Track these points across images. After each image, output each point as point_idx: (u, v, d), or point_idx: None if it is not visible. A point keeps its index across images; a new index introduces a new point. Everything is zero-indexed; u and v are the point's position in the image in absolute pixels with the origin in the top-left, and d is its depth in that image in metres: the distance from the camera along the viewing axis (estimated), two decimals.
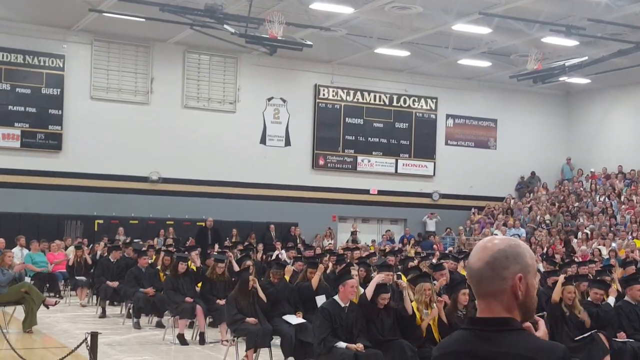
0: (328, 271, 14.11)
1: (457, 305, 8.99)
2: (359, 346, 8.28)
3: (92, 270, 17.13)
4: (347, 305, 8.72)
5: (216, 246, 20.89)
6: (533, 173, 31.10)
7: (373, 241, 26.52)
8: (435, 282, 10.10)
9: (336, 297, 8.81)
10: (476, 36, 24.68)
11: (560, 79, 27.37)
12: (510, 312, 2.40)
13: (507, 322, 2.38)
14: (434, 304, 9.06)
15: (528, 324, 2.45)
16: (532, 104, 31.42)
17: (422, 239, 26.83)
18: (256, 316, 10.24)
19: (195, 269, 13.65)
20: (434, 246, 24.80)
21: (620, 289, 10.52)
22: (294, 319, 10.51)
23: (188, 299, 12.43)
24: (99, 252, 17.98)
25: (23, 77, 24.16)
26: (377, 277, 8.96)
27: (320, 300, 10.79)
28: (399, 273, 12.05)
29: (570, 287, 9.49)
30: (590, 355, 8.81)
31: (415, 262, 14.48)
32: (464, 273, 14.64)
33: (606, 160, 29.43)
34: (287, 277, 11.47)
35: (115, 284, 15.31)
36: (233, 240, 23.09)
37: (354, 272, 10.42)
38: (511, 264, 2.40)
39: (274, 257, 19.59)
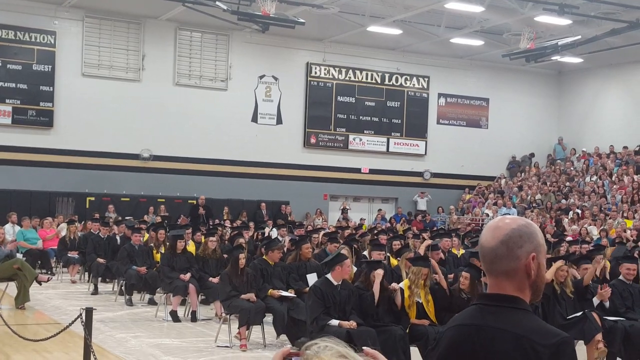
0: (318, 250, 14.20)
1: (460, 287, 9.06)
2: (352, 323, 8.34)
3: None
4: (340, 283, 8.77)
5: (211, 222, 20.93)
6: (532, 154, 31.10)
7: (362, 219, 26.58)
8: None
9: (328, 276, 8.85)
10: (469, 14, 24.61)
11: (553, 58, 27.35)
12: (521, 291, 2.41)
13: (514, 300, 2.40)
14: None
15: None
16: (525, 83, 31.44)
17: (423, 219, 26.85)
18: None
19: (193, 252, 13.63)
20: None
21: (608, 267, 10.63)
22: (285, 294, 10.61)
23: (183, 276, 12.46)
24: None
25: (14, 54, 23.99)
26: (378, 277, 8.89)
27: (312, 278, 10.86)
28: (388, 254, 12.08)
29: (562, 265, 9.59)
30: (582, 333, 8.91)
31: (410, 241, 14.53)
32: (455, 252, 14.76)
33: (598, 139, 29.51)
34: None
35: (104, 260, 15.38)
36: (224, 218, 23.13)
37: (345, 251, 10.45)
38: (525, 243, 2.41)
39: (266, 235, 19.64)
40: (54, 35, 24.48)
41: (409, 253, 10.60)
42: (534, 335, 2.29)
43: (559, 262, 9.60)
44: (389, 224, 25.93)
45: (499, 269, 2.44)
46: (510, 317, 2.36)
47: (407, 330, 8.63)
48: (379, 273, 8.81)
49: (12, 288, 13.19)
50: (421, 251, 11.65)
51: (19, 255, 15.78)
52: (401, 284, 9.10)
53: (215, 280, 12.31)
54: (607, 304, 9.49)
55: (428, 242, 12.86)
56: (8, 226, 18.63)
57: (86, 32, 25.00)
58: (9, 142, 23.75)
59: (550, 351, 2.26)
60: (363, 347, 1.43)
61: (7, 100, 23.89)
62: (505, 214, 23.83)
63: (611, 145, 28.72)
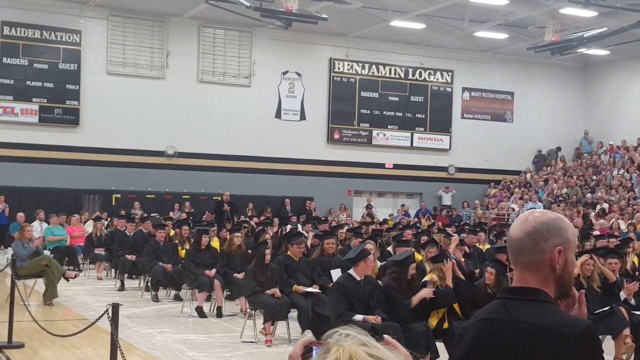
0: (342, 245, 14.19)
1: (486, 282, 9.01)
2: (377, 318, 8.33)
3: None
4: (363, 278, 8.75)
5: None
6: (559, 148, 30.88)
7: (391, 215, 26.52)
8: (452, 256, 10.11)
9: (351, 271, 8.83)
10: (493, 7, 24.45)
11: (579, 50, 27.10)
12: (545, 285, 2.38)
13: (535, 293, 2.37)
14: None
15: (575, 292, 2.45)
16: (550, 76, 31.16)
17: (448, 214, 26.76)
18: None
19: (217, 249, 13.68)
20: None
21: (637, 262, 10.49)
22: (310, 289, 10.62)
23: (208, 272, 12.51)
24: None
25: (40, 53, 24.25)
26: (426, 292, 8.81)
27: (335, 274, 10.84)
28: (413, 249, 12.04)
29: (588, 259, 9.50)
30: (610, 328, 8.83)
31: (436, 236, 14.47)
32: (480, 247, 14.69)
33: (625, 132, 29.18)
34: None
35: (133, 257, 15.50)
36: (249, 214, 23.21)
37: (370, 246, 10.44)
38: (552, 236, 2.39)
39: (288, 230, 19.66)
40: (79, 34, 24.70)
41: (430, 249, 10.53)
42: (559, 327, 2.27)
43: (584, 257, 9.51)
44: (414, 219, 25.87)
45: (523, 262, 2.42)
46: (534, 310, 2.34)
47: (444, 324, 8.62)
48: (428, 291, 8.68)
49: (40, 284, 13.35)
50: (451, 249, 11.58)
51: (47, 252, 15.95)
52: (426, 278, 9.08)
53: (240, 276, 12.35)
54: (632, 301, 9.37)
55: (456, 238, 12.79)
56: (36, 223, 18.83)
57: (111, 30, 25.19)
58: (36, 140, 24.02)
59: (576, 341, 2.24)
60: (384, 335, 1.43)
61: (34, 99, 24.15)
62: (531, 209, 23.67)
63: (639, 138, 28.39)
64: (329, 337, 1.40)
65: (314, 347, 1.45)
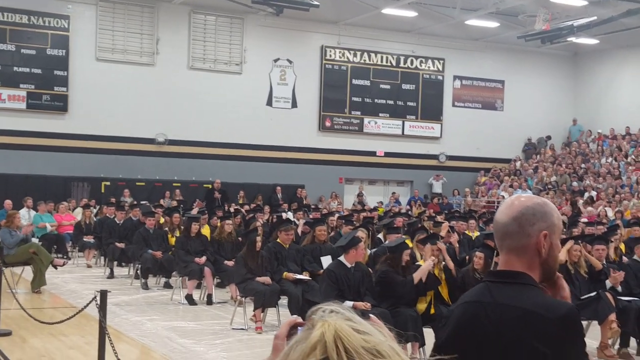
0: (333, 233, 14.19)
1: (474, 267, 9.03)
2: (366, 304, 8.34)
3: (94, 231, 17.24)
4: (353, 265, 8.75)
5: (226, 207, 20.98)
6: (549, 137, 30.96)
7: (380, 202, 26.54)
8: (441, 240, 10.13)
9: (342, 258, 8.83)
10: None
11: (569, 39, 27.13)
12: (530, 269, 2.40)
13: (518, 276, 2.38)
14: (443, 262, 9.09)
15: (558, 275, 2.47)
16: (540, 65, 31.18)
17: (439, 201, 26.83)
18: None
19: (208, 236, 13.65)
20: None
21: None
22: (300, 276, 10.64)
23: (199, 259, 12.49)
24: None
25: (28, 38, 24.05)
26: (427, 265, 8.78)
27: (326, 261, 10.85)
28: (404, 236, 12.04)
29: (576, 245, 9.56)
30: (596, 313, 8.88)
31: (426, 224, 14.49)
32: (470, 234, 14.71)
33: (613, 121, 29.27)
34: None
35: (122, 245, 15.45)
36: (240, 202, 23.17)
37: (361, 234, 10.44)
38: (538, 221, 2.41)
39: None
40: (68, 20, 24.51)
41: (420, 235, 10.58)
42: (541, 310, 2.28)
43: (569, 243, 9.56)
44: (406, 207, 25.90)
45: (509, 246, 2.43)
46: (517, 293, 2.35)
47: (431, 309, 8.64)
48: (429, 264, 8.70)
49: (28, 272, 13.29)
50: (443, 234, 11.60)
51: (35, 240, 15.88)
52: (418, 264, 9.10)
53: (231, 263, 12.34)
54: (619, 288, 9.42)
55: (446, 225, 12.82)
56: (24, 211, 18.74)
57: (100, 16, 25.01)
58: (23, 127, 23.85)
59: (557, 324, 2.26)
60: (370, 315, 1.42)
61: (22, 85, 23.97)
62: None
63: (627, 127, 28.49)
64: (313, 314, 1.39)
65: (299, 327, 1.44)
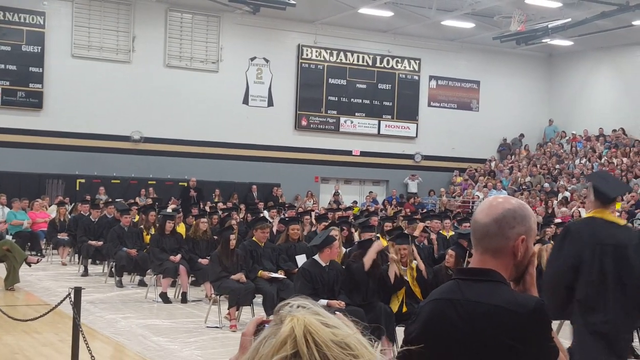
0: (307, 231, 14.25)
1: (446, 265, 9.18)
2: (340, 303, 8.41)
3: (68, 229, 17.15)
4: (328, 264, 8.82)
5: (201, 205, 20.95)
6: (522, 135, 31.25)
7: (354, 202, 26.61)
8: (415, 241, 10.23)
9: (316, 257, 8.90)
10: None
11: (543, 40, 27.37)
12: (504, 269, 2.45)
13: (488, 274, 2.43)
14: (415, 262, 9.21)
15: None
16: (515, 66, 31.44)
17: (414, 201, 26.95)
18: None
19: (183, 234, 13.65)
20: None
21: None
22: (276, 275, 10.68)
23: (173, 257, 12.48)
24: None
25: (2, 34, 23.83)
26: (376, 246, 8.95)
27: (301, 259, 10.91)
28: (378, 235, 12.14)
29: (541, 247, 9.78)
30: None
31: (402, 224, 14.60)
32: (445, 234, 14.84)
33: (588, 122, 29.57)
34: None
35: (98, 243, 15.38)
36: (215, 200, 23.12)
37: (335, 232, 10.51)
38: (517, 224, 2.46)
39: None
40: (43, 16, 24.32)
41: (388, 231, 10.70)
42: (509, 305, 2.34)
43: (537, 247, 9.75)
44: (380, 206, 26.00)
45: (486, 246, 2.48)
46: (486, 290, 2.40)
47: (403, 308, 8.74)
48: (379, 243, 8.92)
49: (1, 269, 13.20)
50: (417, 234, 11.70)
51: (9, 237, 15.78)
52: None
53: (205, 261, 12.35)
54: None
55: (421, 225, 12.94)
56: None
57: (75, 12, 24.84)
58: None
59: (526, 318, 2.32)
60: (335, 312, 1.46)
61: None
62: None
63: (600, 128, 28.81)
64: (281, 309, 1.43)
65: (266, 325, 1.48)
